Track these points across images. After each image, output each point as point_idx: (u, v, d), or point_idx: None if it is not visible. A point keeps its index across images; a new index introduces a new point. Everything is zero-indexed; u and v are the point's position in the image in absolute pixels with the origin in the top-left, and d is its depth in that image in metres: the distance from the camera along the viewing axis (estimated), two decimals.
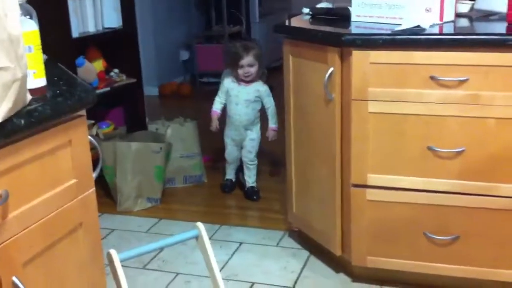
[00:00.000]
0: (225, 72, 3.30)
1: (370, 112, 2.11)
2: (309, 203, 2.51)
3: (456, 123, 2.03)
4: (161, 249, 2.64)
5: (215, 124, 3.23)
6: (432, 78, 2.01)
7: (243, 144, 3.25)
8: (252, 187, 3.28)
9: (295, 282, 2.41)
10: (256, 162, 3.28)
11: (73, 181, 1.43)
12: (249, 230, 2.89)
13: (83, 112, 1.44)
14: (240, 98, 3.16)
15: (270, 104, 3.18)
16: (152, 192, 3.18)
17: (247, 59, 3.10)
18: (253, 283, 2.42)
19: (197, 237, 1.80)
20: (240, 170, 3.36)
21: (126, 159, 3.08)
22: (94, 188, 1.51)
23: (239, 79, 3.16)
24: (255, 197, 3.24)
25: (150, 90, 5.47)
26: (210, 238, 1.76)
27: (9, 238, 1.24)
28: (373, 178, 2.17)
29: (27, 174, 1.28)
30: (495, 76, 1.95)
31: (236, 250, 2.69)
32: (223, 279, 1.76)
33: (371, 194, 2.18)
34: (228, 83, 3.20)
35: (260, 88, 3.17)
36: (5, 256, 1.23)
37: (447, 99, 2.01)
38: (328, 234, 2.38)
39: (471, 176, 2.06)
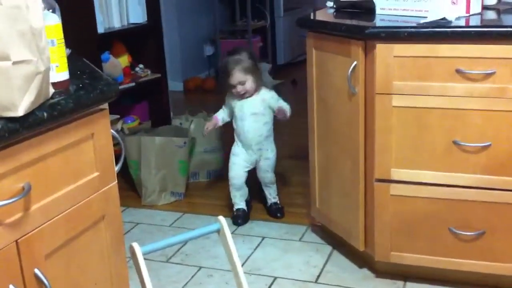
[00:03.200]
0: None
1: (394, 106, 2.08)
2: (332, 198, 2.50)
3: (482, 117, 1.99)
4: (183, 242, 2.65)
5: (207, 127, 2.94)
6: (457, 71, 1.97)
7: (258, 165, 2.90)
8: (275, 203, 3.00)
9: (318, 277, 2.40)
10: (275, 179, 2.97)
11: (96, 174, 1.43)
12: (271, 224, 2.89)
13: (105, 105, 1.45)
14: (245, 112, 2.80)
15: (283, 102, 2.83)
16: (176, 186, 3.19)
17: (234, 78, 2.75)
18: (275, 278, 2.41)
19: (219, 231, 1.81)
20: (257, 185, 3.05)
21: (150, 153, 3.10)
22: (116, 181, 1.51)
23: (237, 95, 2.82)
24: (279, 214, 2.95)
25: (175, 85, 5.49)
26: (232, 232, 1.76)
27: (32, 230, 1.25)
28: (397, 173, 2.15)
29: (50, 167, 1.29)
30: None
31: (258, 245, 2.69)
32: (245, 273, 1.77)
33: (394, 189, 2.16)
34: (231, 97, 2.87)
35: (266, 96, 2.81)
36: (28, 248, 1.24)
37: (473, 92, 1.98)
38: (351, 229, 2.37)
39: (497, 170, 2.02)
